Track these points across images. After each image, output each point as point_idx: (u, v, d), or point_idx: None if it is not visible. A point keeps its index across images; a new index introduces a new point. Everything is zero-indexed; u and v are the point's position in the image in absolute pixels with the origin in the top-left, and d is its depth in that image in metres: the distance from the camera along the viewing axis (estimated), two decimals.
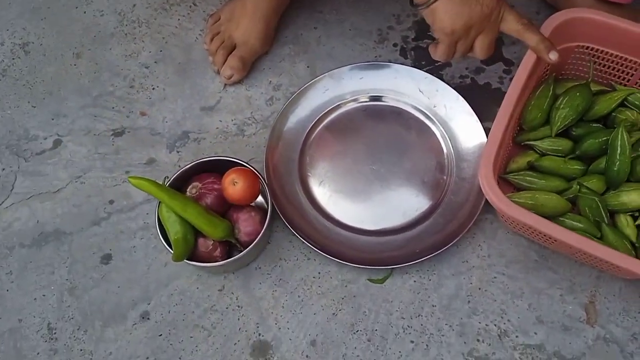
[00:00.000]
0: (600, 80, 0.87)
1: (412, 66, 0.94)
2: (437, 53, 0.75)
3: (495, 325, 0.80)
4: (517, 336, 0.79)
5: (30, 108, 0.98)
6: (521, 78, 0.76)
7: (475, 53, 0.76)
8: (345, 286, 0.83)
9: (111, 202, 0.90)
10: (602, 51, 0.84)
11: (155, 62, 1.00)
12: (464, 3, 0.70)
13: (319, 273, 0.84)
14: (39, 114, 0.98)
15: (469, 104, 0.89)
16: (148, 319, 0.83)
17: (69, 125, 0.96)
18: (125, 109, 0.97)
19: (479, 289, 0.82)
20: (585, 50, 0.84)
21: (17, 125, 0.97)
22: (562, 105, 0.82)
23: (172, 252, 0.77)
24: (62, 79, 1.00)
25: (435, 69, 0.96)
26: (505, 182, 0.85)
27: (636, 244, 0.78)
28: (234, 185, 0.78)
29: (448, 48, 0.74)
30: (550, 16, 0.81)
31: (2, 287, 0.86)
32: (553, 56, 0.75)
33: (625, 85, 0.86)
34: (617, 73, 0.86)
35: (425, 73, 0.92)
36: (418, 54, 0.98)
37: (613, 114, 0.84)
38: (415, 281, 0.83)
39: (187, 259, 0.78)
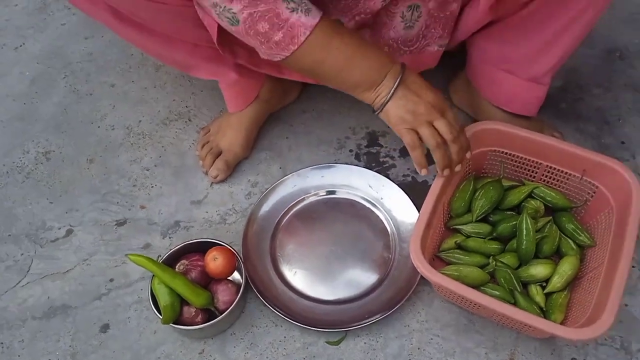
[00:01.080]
0: (512, 176, 1.07)
1: (363, 167, 1.15)
2: (405, 141, 0.86)
3: None
4: None
5: (48, 204, 1.17)
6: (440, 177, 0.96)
7: (444, 133, 0.86)
8: (307, 348, 0.98)
9: (111, 280, 1.07)
10: (511, 154, 1.03)
11: (155, 165, 1.21)
12: (407, 100, 0.84)
13: (285, 337, 0.99)
14: (55, 208, 1.17)
15: (409, 197, 1.09)
16: None
17: (80, 217, 1.15)
18: (127, 203, 1.16)
19: (419, 348, 0.97)
20: (498, 153, 1.05)
21: (36, 218, 1.15)
22: (479, 197, 1.02)
23: (162, 317, 0.93)
24: (76, 180, 1.20)
25: (383, 170, 1.17)
26: (440, 259, 1.03)
27: (544, 309, 0.94)
28: (214, 261, 0.96)
29: (409, 134, 0.85)
30: (468, 126, 1.00)
31: (14, 353, 1.00)
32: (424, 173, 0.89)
33: (532, 180, 1.06)
34: (524, 171, 1.05)
35: (374, 172, 1.13)
36: (369, 157, 1.19)
37: (523, 203, 1.03)
38: (365, 343, 0.98)
39: (172, 324, 0.94)
